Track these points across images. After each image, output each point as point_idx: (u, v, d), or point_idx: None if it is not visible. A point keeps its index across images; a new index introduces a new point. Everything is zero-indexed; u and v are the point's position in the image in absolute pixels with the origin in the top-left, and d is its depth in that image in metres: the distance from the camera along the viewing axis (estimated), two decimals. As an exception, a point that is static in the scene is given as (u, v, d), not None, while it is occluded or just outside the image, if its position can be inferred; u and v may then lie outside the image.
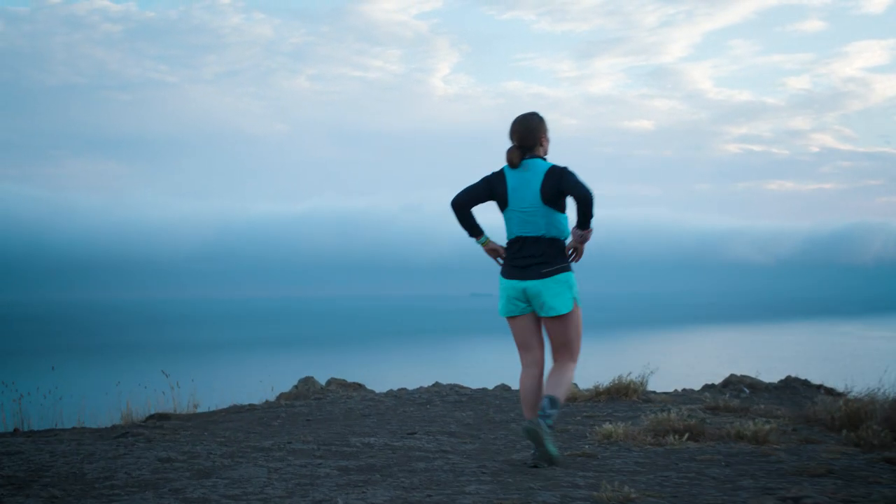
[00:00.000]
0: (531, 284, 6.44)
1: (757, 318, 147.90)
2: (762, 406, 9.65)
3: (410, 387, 12.78)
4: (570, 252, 6.55)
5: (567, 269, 6.51)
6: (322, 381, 13.39)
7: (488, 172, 6.60)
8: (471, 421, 9.01)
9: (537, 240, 6.45)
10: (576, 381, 10.78)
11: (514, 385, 12.30)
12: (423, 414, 9.58)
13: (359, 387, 12.63)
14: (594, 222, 6.45)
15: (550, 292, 6.42)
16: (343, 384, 12.71)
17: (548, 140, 6.62)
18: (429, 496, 5.30)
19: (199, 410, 11.27)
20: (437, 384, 12.25)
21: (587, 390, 10.54)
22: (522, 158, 6.47)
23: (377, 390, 12.96)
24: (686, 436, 7.45)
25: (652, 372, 10.96)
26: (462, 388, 11.89)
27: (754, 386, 12.03)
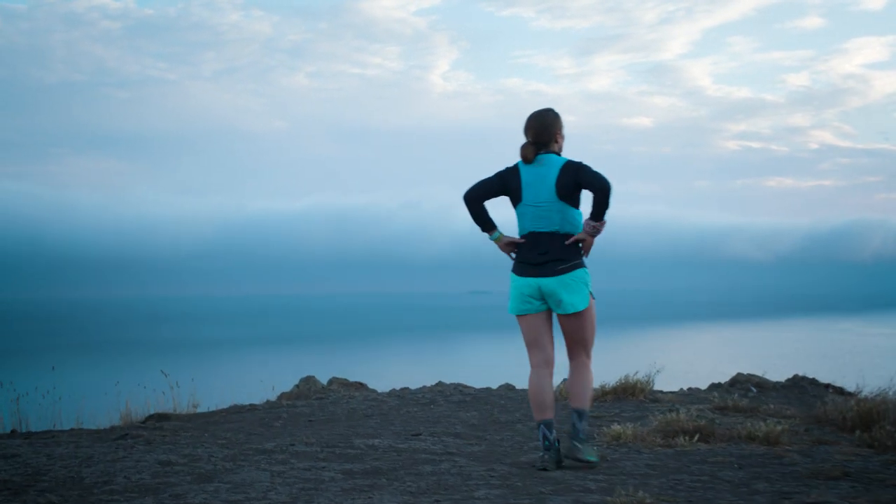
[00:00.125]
0: (547, 282, 6.32)
1: (756, 315, 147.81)
2: (771, 406, 9.50)
3: (413, 386, 12.62)
4: (579, 246, 6.42)
5: (582, 264, 6.40)
6: (323, 380, 13.23)
7: (501, 168, 6.51)
8: (476, 422, 8.86)
9: (552, 235, 6.34)
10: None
11: (519, 384, 12.15)
12: (427, 414, 9.43)
13: (361, 386, 12.47)
14: (607, 216, 6.32)
15: (567, 289, 6.31)
16: (345, 383, 12.55)
17: (563, 137, 6.54)
18: (437, 502, 5.16)
19: (199, 410, 11.12)
20: (440, 383, 12.09)
21: (593, 389, 10.35)
22: (537, 154, 6.37)
23: (379, 390, 12.81)
24: (696, 437, 7.32)
25: (658, 371, 10.82)
26: (466, 387, 11.74)
27: (762, 385, 11.87)
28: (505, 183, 6.43)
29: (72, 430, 9.05)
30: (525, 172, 6.36)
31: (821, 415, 8.60)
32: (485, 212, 6.54)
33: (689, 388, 12.11)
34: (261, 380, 13.77)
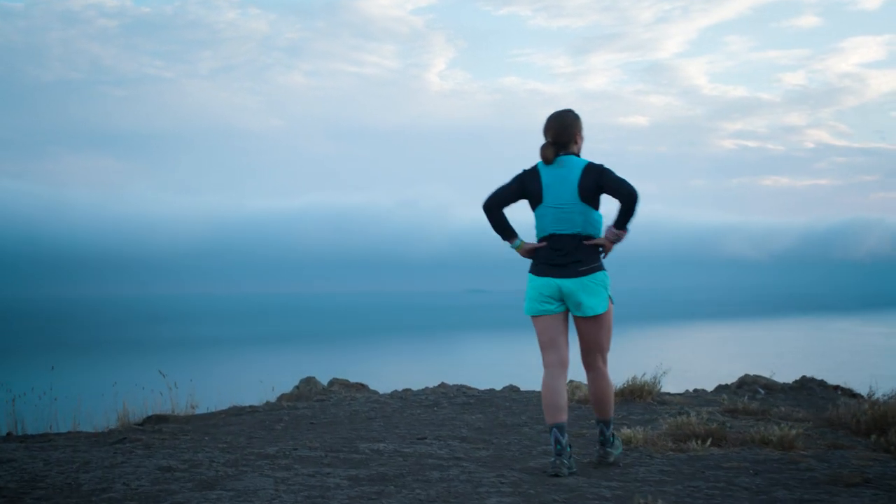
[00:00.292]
0: (567, 283, 6.18)
1: (752, 314, 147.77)
2: (782, 409, 9.34)
3: (414, 387, 12.46)
4: (599, 249, 6.30)
5: (602, 267, 6.29)
6: (323, 380, 13.07)
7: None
8: (481, 425, 8.68)
9: (572, 237, 6.21)
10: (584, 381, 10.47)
11: (523, 386, 11.99)
12: (431, 417, 9.24)
13: (362, 387, 12.30)
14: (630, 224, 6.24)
15: (587, 291, 6.18)
16: (346, 384, 12.38)
17: (582, 138, 6.41)
18: (448, 510, 4.99)
19: (197, 412, 10.94)
20: (443, 385, 11.92)
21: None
22: (557, 155, 6.25)
23: (381, 391, 12.64)
24: (709, 441, 7.15)
25: (665, 372, 10.66)
26: (469, 388, 11.56)
27: (769, 387, 11.71)
28: (524, 186, 6.31)
29: (69, 433, 8.86)
30: (545, 174, 6.24)
31: (833, 418, 8.44)
32: (505, 220, 6.43)
33: (695, 390, 11.96)
34: (260, 380, 13.57)
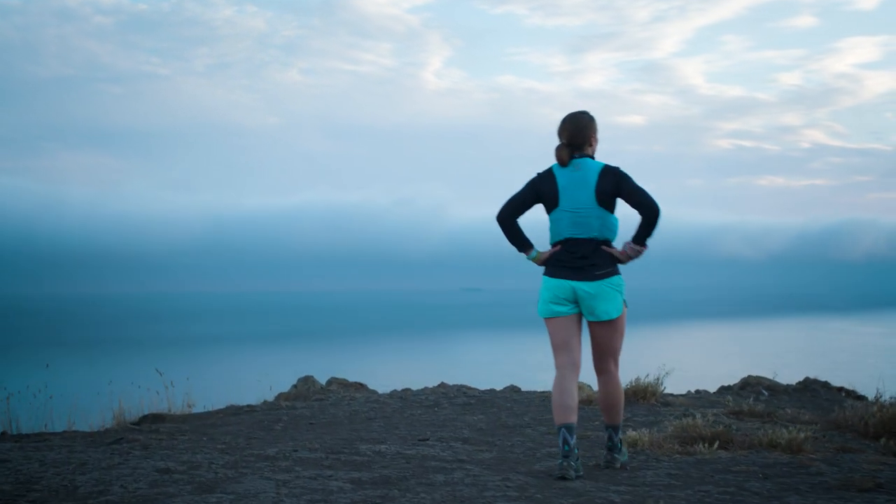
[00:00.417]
0: (583, 286, 6.07)
1: (748, 314, 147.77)
2: (788, 411, 9.22)
3: (413, 386, 12.33)
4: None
5: (617, 271, 6.18)
6: (321, 379, 12.94)
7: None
8: (483, 426, 8.56)
9: (589, 242, 6.10)
10: (590, 382, 10.33)
11: (524, 386, 11.87)
12: (432, 417, 9.12)
13: (361, 387, 12.17)
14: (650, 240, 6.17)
15: (603, 295, 6.07)
16: (344, 384, 12.25)
17: (597, 140, 6.30)
18: (454, 515, 4.86)
19: (194, 411, 10.82)
20: (442, 385, 11.80)
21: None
22: (572, 157, 6.14)
23: (378, 389, 12.52)
24: (716, 444, 7.04)
25: (667, 373, 10.53)
26: (469, 388, 11.44)
27: (773, 388, 11.61)
28: (538, 191, 6.20)
29: (64, 432, 8.71)
30: (561, 177, 6.13)
31: (840, 420, 8.34)
32: (520, 231, 6.33)
33: (697, 391, 11.85)
34: (258, 379, 13.46)
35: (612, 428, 6.34)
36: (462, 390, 11.18)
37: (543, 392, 11.08)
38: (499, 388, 11.92)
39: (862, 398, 11.33)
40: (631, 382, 10.14)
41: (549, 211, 6.21)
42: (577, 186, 6.07)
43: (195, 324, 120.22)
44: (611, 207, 6.11)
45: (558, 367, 6.20)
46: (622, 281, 6.18)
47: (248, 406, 10.58)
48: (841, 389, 11.88)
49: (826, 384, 11.97)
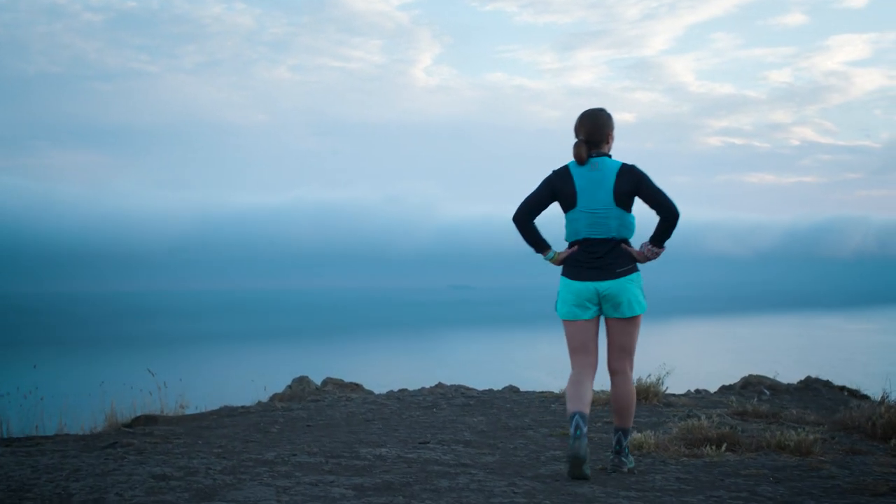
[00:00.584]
0: (606, 285, 6.01)
1: (737, 311, 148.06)
2: (794, 412, 9.09)
3: (407, 385, 12.19)
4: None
5: (637, 268, 6.13)
6: (314, 378, 12.79)
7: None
8: (484, 427, 8.41)
9: (607, 241, 6.04)
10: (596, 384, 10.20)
11: (523, 386, 11.73)
12: (431, 419, 8.96)
13: (356, 387, 12.02)
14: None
15: (625, 293, 6.02)
16: (340, 384, 12.10)
17: (613, 138, 6.21)
18: (462, 524, 4.70)
19: (187, 412, 10.65)
20: (440, 385, 11.65)
21: (604, 392, 9.79)
22: (589, 154, 6.06)
23: (370, 387, 12.37)
24: (724, 446, 6.90)
25: (668, 373, 10.39)
26: (468, 389, 11.29)
27: (774, 387, 11.49)
28: (554, 189, 6.12)
29: (56, 436, 8.53)
30: (578, 176, 6.05)
31: (847, 421, 8.21)
32: (537, 232, 6.26)
33: (697, 391, 11.72)
34: (252, 380, 13.30)
35: (622, 431, 6.19)
36: (460, 391, 11.03)
37: (543, 392, 10.94)
38: (496, 387, 11.79)
39: (865, 397, 11.22)
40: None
41: (565, 210, 6.12)
42: (596, 186, 6.00)
43: (185, 322, 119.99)
44: (628, 207, 6.04)
45: (575, 366, 6.15)
46: (641, 278, 6.14)
47: (243, 407, 10.43)
48: (843, 389, 11.78)
49: (828, 383, 11.87)
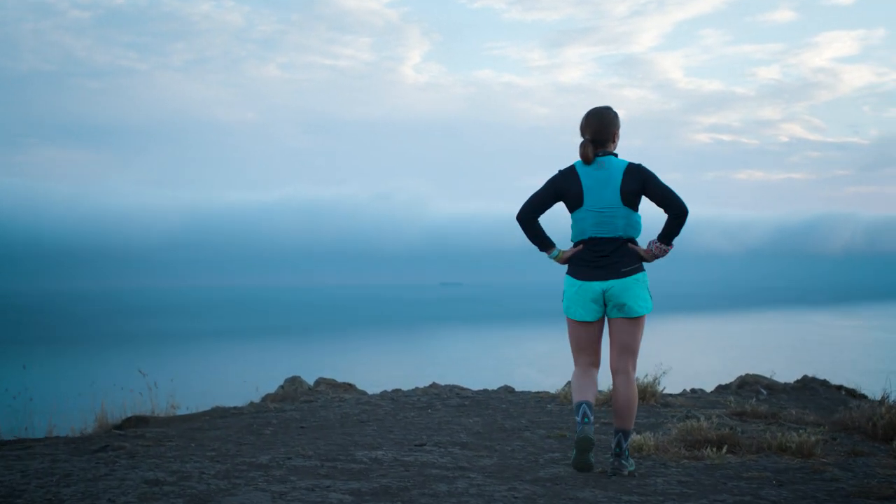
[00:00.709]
0: (612, 284, 5.99)
1: (726, 308, 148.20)
2: (793, 412, 9.00)
3: (399, 384, 12.09)
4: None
5: (643, 268, 6.11)
6: (305, 377, 12.68)
7: (555, 172, 6.20)
8: (480, 429, 8.30)
9: (613, 240, 6.02)
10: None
11: (518, 386, 11.63)
12: (426, 420, 8.84)
13: (349, 387, 11.90)
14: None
15: (631, 292, 6.00)
16: (333, 384, 11.98)
17: (619, 137, 6.21)
18: (463, 531, 4.60)
19: (178, 413, 10.52)
20: (434, 385, 11.54)
21: (600, 392, 9.65)
22: (595, 154, 6.04)
23: (361, 386, 12.26)
24: (724, 448, 6.80)
25: (665, 372, 10.30)
26: (462, 389, 11.18)
27: (771, 387, 11.41)
28: (559, 189, 6.11)
29: (46, 438, 8.39)
30: (585, 175, 6.03)
31: (847, 421, 8.13)
32: (541, 230, 6.25)
33: (693, 390, 11.63)
34: (244, 380, 13.19)
35: (623, 432, 6.09)
36: (454, 391, 10.92)
37: (538, 392, 10.85)
38: (491, 387, 11.69)
39: (862, 397, 11.15)
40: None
41: (571, 210, 6.11)
42: (602, 186, 5.98)
43: (176, 320, 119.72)
44: (635, 206, 6.03)
45: (579, 365, 6.18)
46: (647, 277, 6.11)
47: (235, 408, 10.30)
48: (840, 388, 11.71)
49: (825, 382, 11.80)
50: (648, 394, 9.74)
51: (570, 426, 8.38)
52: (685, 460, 6.62)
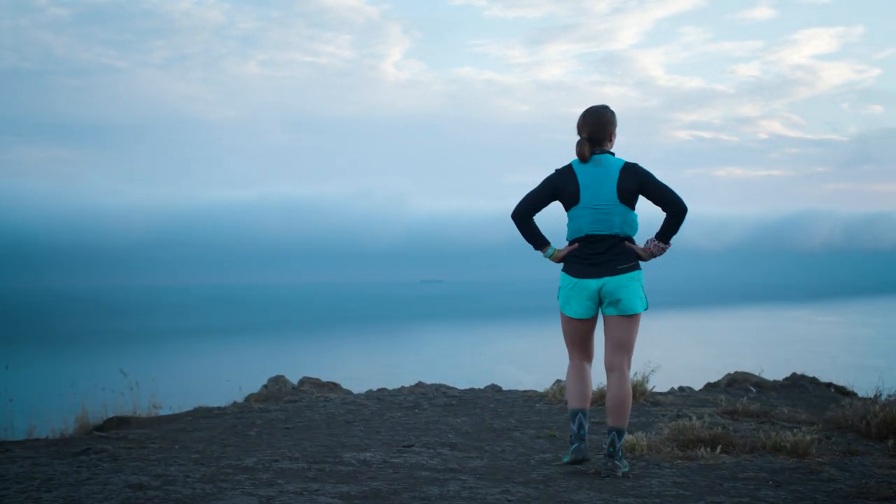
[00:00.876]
0: (606, 281, 5.97)
1: (705, 305, 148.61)
2: (785, 410, 8.89)
3: (386, 384, 11.94)
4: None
5: (638, 266, 6.08)
6: (289, 376, 12.51)
7: (551, 171, 6.20)
8: (468, 429, 8.17)
9: (610, 238, 6.01)
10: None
11: (509, 386, 11.51)
12: (414, 420, 8.70)
13: (334, 386, 11.75)
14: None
15: (626, 290, 5.98)
16: (317, 384, 11.82)
17: (615, 136, 6.19)
18: (457, 536, 4.47)
19: (161, 413, 10.36)
20: (420, 384, 11.40)
21: (594, 390, 9.52)
22: (592, 152, 6.04)
23: (354, 390, 12.09)
24: (718, 448, 6.70)
25: (653, 370, 10.19)
26: (448, 388, 11.05)
27: (760, 385, 11.32)
28: (555, 187, 6.10)
29: (26, 441, 8.20)
30: (581, 173, 6.03)
31: (840, 420, 8.04)
32: (536, 228, 6.23)
33: (682, 388, 11.52)
34: (227, 379, 13.01)
35: (617, 431, 5.99)
36: (441, 390, 10.78)
37: (526, 391, 10.73)
38: (475, 385, 11.56)
39: (851, 394, 11.09)
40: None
41: (568, 208, 6.11)
42: (599, 184, 5.97)
43: (156, 318, 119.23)
44: (632, 204, 6.02)
45: (573, 359, 6.21)
46: (642, 275, 6.10)
47: (219, 408, 10.14)
48: (830, 385, 11.64)
49: (814, 380, 11.73)
50: (638, 392, 9.64)
51: (560, 426, 8.27)
52: (679, 460, 6.51)
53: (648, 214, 6.19)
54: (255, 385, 12.38)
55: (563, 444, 7.30)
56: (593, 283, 6.00)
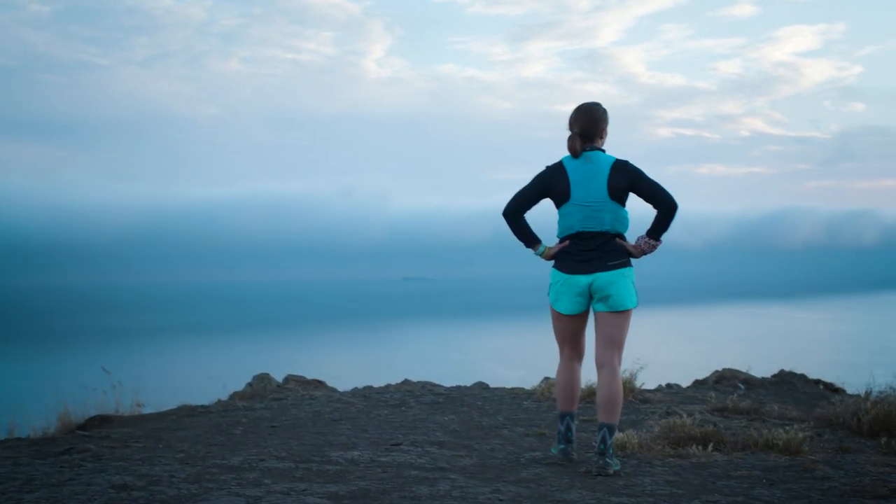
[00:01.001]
0: (597, 277, 5.97)
1: (687, 301, 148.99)
2: (775, 407, 8.83)
3: (371, 381, 11.82)
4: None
5: (629, 263, 6.08)
6: (273, 373, 12.37)
7: (542, 168, 6.18)
8: (456, 427, 8.08)
9: (600, 235, 6.01)
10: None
11: (492, 382, 11.42)
12: (401, 418, 8.60)
13: (319, 384, 11.63)
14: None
15: (617, 286, 5.96)
16: (302, 381, 11.70)
17: (606, 134, 6.19)
18: (450, 537, 4.37)
19: (144, 411, 10.22)
20: (406, 382, 11.30)
21: (584, 388, 9.43)
22: (583, 148, 6.01)
23: (339, 388, 11.98)
24: (710, 446, 6.63)
25: (642, 367, 10.13)
26: (435, 386, 10.95)
27: (748, 381, 11.28)
28: (547, 185, 6.10)
29: (7, 440, 8.05)
30: (572, 170, 6.02)
31: (830, 417, 7.98)
32: (527, 226, 6.23)
33: (670, 385, 11.46)
34: (211, 377, 12.89)
35: (608, 428, 5.92)
36: (428, 388, 10.69)
37: (513, 389, 10.64)
38: (461, 382, 11.48)
39: (840, 391, 11.05)
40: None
41: (558, 205, 6.11)
42: (590, 181, 5.96)
43: (138, 315, 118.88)
44: (622, 202, 6.02)
45: (563, 355, 6.22)
46: (633, 272, 6.09)
47: (203, 407, 10.01)
48: (818, 382, 11.60)
49: (803, 377, 11.69)
50: (627, 389, 9.56)
51: (549, 423, 8.19)
52: (671, 458, 6.44)
53: (639, 212, 6.16)
54: (239, 383, 12.25)
55: (552, 441, 7.21)
56: (583, 279, 6.00)
